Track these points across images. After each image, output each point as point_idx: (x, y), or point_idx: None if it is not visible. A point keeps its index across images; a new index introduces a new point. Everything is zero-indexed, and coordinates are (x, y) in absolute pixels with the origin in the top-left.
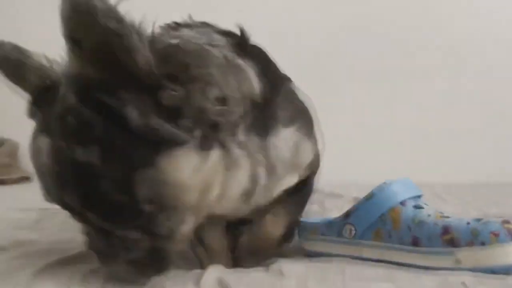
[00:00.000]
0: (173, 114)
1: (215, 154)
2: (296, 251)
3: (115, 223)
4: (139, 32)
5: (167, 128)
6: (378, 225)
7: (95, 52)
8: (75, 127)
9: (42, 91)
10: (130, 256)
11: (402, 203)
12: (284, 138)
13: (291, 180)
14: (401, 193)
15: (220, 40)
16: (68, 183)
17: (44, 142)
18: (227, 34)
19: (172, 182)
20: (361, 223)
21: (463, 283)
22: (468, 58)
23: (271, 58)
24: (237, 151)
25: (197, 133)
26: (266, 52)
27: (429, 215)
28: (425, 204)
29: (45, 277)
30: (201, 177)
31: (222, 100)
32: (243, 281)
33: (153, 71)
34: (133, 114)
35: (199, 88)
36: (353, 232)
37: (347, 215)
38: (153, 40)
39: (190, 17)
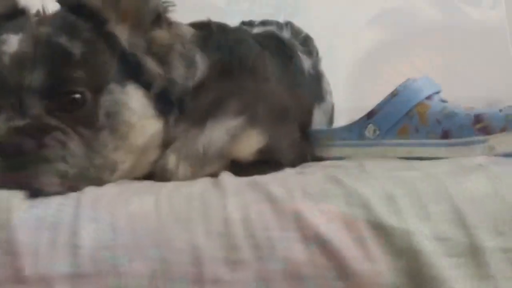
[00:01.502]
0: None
1: (161, 122)
2: None
3: (65, 116)
4: None
5: (150, 65)
6: (404, 122)
7: None
8: (70, 23)
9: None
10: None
11: (428, 97)
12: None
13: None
14: (426, 88)
15: (189, 33)
16: (40, 63)
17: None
18: (202, 26)
19: (128, 106)
20: (386, 122)
21: (480, 164)
22: None
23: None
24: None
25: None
26: (246, 40)
27: (457, 107)
28: None
29: None
30: (147, 123)
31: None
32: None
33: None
34: (122, 40)
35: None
36: (377, 132)
37: (370, 115)
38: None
39: None
